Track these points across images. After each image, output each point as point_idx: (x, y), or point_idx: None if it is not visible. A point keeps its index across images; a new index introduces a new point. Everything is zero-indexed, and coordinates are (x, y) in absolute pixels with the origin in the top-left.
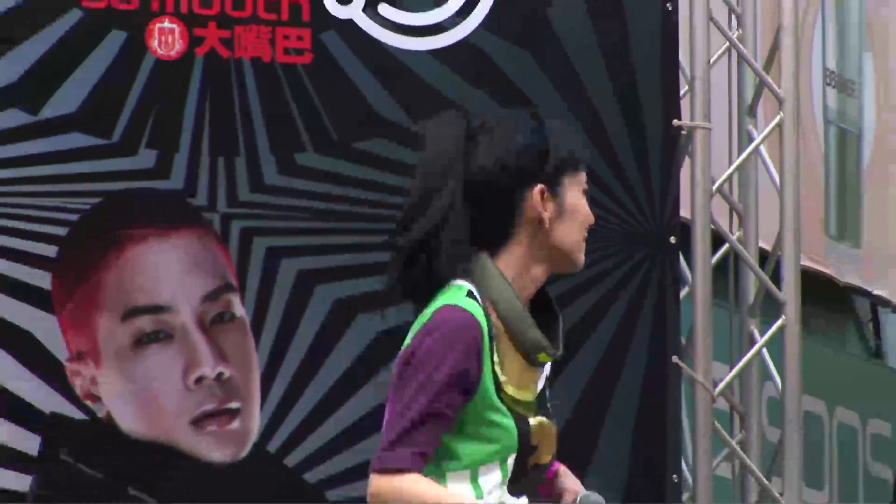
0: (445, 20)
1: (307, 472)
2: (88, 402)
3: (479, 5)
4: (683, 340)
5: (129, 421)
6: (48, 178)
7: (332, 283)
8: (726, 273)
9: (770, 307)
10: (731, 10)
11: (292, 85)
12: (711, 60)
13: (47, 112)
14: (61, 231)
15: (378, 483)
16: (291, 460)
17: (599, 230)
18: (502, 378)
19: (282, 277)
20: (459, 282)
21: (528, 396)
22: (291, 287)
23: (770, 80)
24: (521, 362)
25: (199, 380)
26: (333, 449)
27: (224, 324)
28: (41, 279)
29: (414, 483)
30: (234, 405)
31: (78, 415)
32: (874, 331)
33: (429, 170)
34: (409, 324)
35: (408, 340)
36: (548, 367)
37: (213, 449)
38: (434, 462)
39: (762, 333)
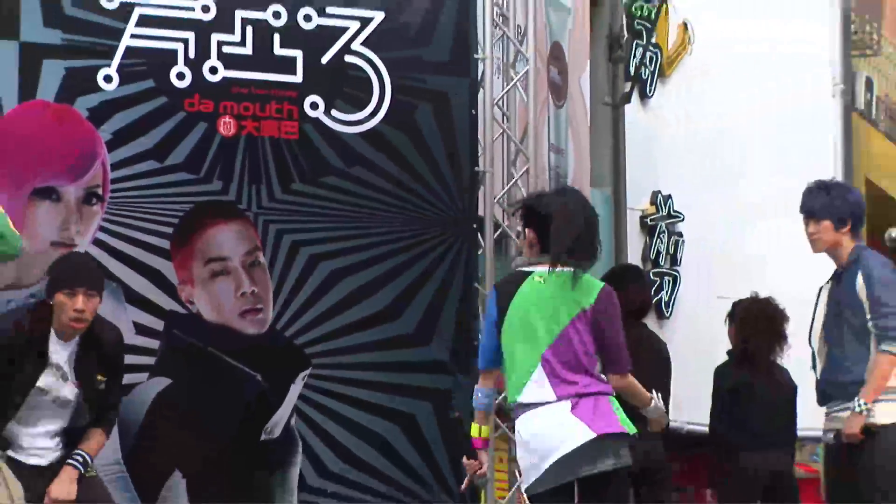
0: (364, 117)
1: (297, 338)
2: (188, 304)
3: (382, 109)
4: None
5: (208, 314)
6: (171, 195)
7: (313, 248)
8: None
9: None
10: (503, 113)
11: (289, 149)
12: (494, 137)
13: (169, 161)
14: (175, 220)
15: (627, 378)
16: (288, 332)
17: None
18: None
19: (282, 247)
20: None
21: None
22: (286, 251)
23: (523, 148)
24: None
25: (242, 294)
26: (314, 324)
27: (255, 266)
28: (167, 244)
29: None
30: (259, 306)
31: (183, 311)
32: None
33: (572, 214)
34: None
35: (596, 293)
36: None
37: (248, 327)
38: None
39: None
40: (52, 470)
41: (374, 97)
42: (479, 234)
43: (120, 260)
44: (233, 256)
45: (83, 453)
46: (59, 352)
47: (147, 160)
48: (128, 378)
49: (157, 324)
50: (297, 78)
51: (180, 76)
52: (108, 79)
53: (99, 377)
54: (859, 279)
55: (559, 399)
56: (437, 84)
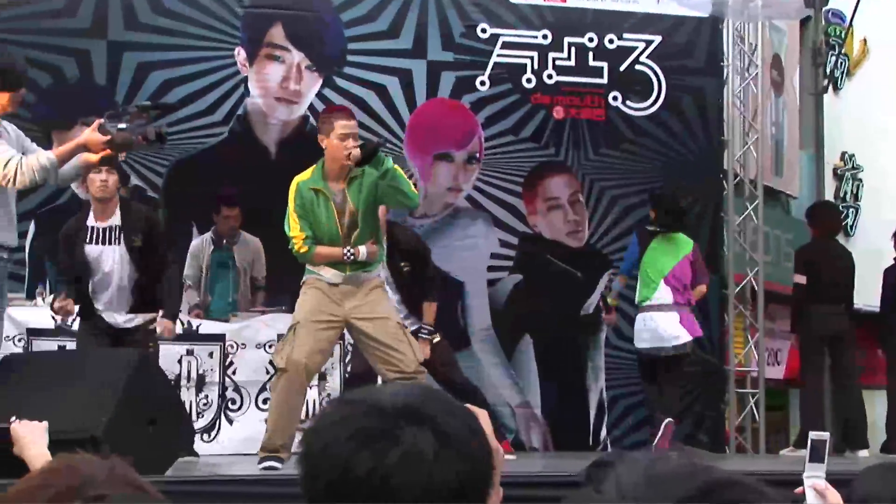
0: (647, 105)
1: (603, 250)
2: (533, 228)
3: (659, 100)
4: None
5: (547, 234)
6: (522, 157)
7: (613, 190)
8: None
9: None
10: (740, 101)
11: (598, 126)
12: (734, 117)
13: (521, 135)
14: (525, 173)
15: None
16: (598, 246)
17: None
18: None
19: (593, 191)
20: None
21: None
22: (596, 194)
23: (753, 124)
24: None
25: (568, 220)
26: (613, 241)
27: (576, 203)
28: (519, 189)
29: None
30: (579, 228)
31: (530, 231)
32: None
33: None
34: None
35: (688, 249)
36: None
37: (572, 242)
38: None
39: None
40: None
41: (654, 92)
42: (723, 182)
43: (490, 199)
44: (562, 196)
45: None
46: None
47: (507, 135)
48: (495, 275)
49: (513, 240)
50: (604, 80)
51: (528, 80)
52: (482, 83)
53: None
54: None
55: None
56: (696, 83)
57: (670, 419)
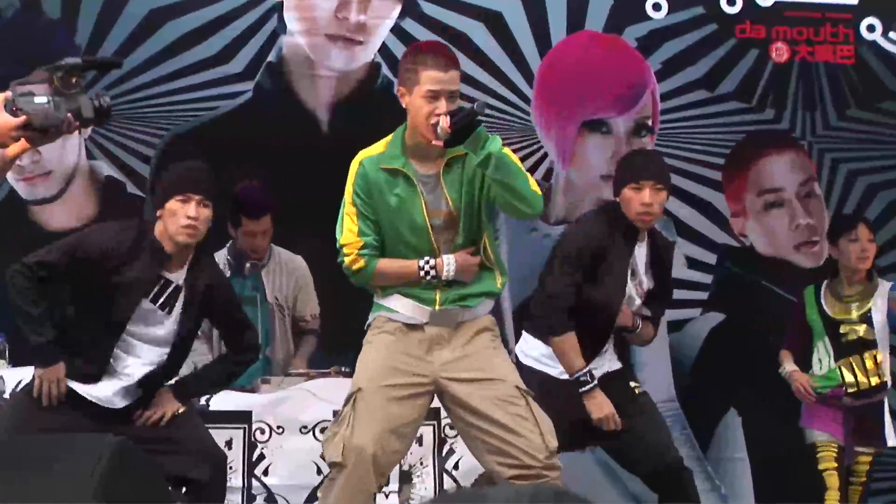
0: None
1: None
2: (741, 237)
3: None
4: None
5: (761, 247)
6: (721, 124)
7: (871, 176)
8: None
9: None
10: None
11: (844, 74)
12: None
13: (720, 90)
14: (726, 151)
15: None
16: None
17: None
18: None
19: (838, 177)
20: None
21: None
22: (843, 181)
23: None
24: None
25: (797, 226)
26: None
27: (810, 197)
28: (718, 176)
29: None
30: (814, 238)
31: (736, 244)
32: None
33: None
34: None
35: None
36: None
37: (803, 261)
38: None
39: None
40: None
41: None
42: None
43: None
44: (787, 187)
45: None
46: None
47: (697, 90)
48: (680, 313)
49: (710, 257)
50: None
51: (731, 1)
52: (656, 7)
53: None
54: None
55: None
56: None
57: None
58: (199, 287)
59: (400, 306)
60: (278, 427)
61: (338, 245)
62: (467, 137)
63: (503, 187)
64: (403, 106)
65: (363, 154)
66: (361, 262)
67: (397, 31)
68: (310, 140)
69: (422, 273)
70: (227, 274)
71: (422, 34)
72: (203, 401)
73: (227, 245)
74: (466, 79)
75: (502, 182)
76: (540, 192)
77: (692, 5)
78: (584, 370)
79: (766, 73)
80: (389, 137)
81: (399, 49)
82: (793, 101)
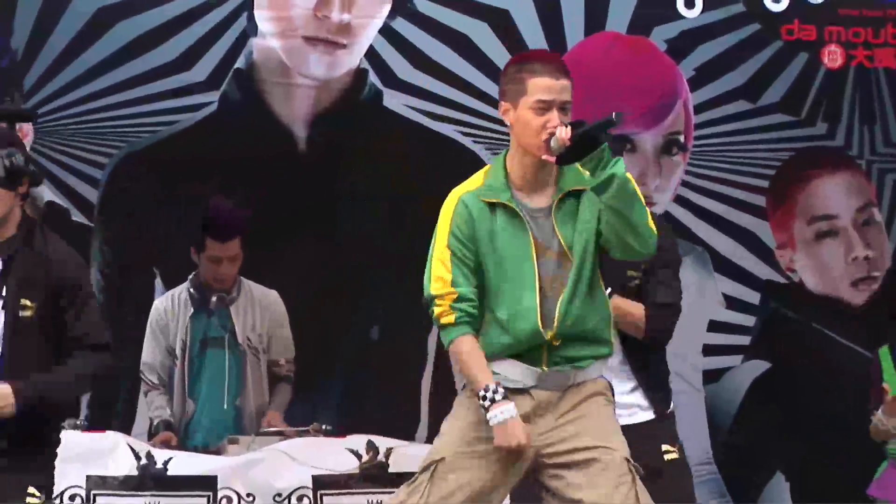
0: None
1: None
2: (789, 272)
3: None
4: None
5: (813, 283)
6: (766, 140)
7: None
8: None
9: None
10: None
11: None
12: None
13: (763, 101)
14: (771, 171)
15: None
16: None
17: None
18: None
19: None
20: None
21: None
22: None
23: None
24: None
25: (854, 259)
26: None
27: (869, 225)
28: (762, 201)
29: None
30: (874, 273)
31: (783, 279)
32: None
33: None
34: None
35: None
36: None
37: (860, 298)
38: None
39: None
40: None
41: None
42: None
43: (706, 220)
44: (842, 214)
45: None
46: None
47: (736, 100)
48: (718, 361)
49: (753, 296)
50: None
51: None
52: (689, 3)
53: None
54: None
55: None
56: None
57: None
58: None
59: (505, 369)
60: (248, 495)
61: (426, 294)
62: (586, 154)
63: (619, 219)
64: (508, 124)
65: (459, 190)
66: (451, 319)
67: (387, 32)
68: (285, 159)
69: (480, 398)
70: (190, 310)
71: (415, 35)
72: (161, 464)
73: (190, 276)
74: (466, 86)
75: (620, 213)
76: (655, 231)
77: (731, 2)
78: None
79: (818, 81)
80: (487, 168)
81: (389, 53)
82: (848, 114)
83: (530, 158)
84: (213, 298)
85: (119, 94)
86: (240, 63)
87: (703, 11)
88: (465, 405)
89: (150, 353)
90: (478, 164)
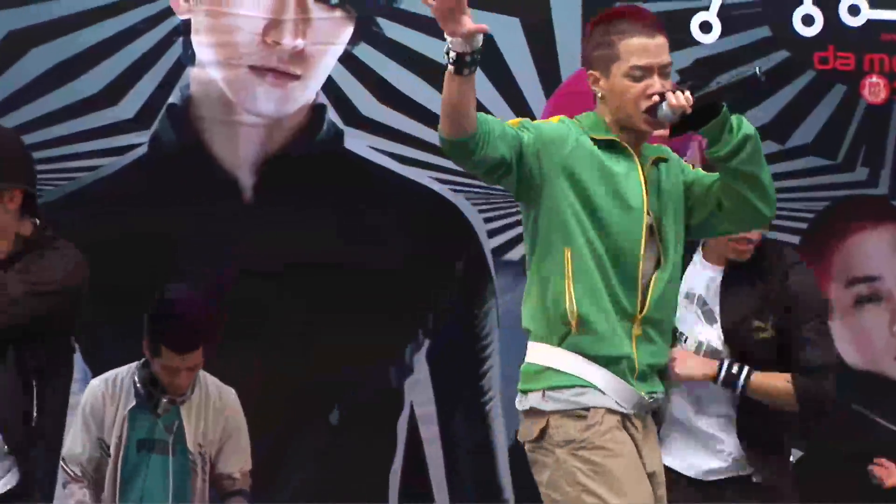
0: None
1: None
2: None
3: None
4: None
5: (850, 355)
6: (795, 189)
7: None
8: None
9: None
10: None
11: None
12: None
13: (792, 141)
14: (803, 224)
15: None
16: None
17: None
18: None
19: None
20: None
21: None
22: None
23: None
24: None
25: None
26: None
27: None
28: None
29: None
30: None
31: None
32: None
33: None
34: None
35: None
36: None
37: None
38: None
39: None
40: None
41: None
42: None
43: None
44: (886, 275)
45: None
46: None
47: (763, 141)
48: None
49: None
50: None
51: (807, 21)
52: (705, 27)
53: None
54: None
55: None
56: None
57: None
58: None
59: (601, 378)
60: None
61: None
62: (710, 119)
63: (749, 183)
64: (598, 97)
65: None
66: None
67: (348, 60)
68: (227, 212)
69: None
70: (132, 402)
71: (382, 64)
72: None
73: (137, 364)
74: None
75: (750, 176)
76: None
77: (754, 25)
78: None
79: (857, 119)
80: (582, 116)
81: (350, 85)
82: (893, 157)
83: (623, 123)
84: (164, 401)
85: (31, 133)
86: (174, 98)
87: (721, 36)
88: (617, 451)
89: (77, 441)
90: (457, 216)
